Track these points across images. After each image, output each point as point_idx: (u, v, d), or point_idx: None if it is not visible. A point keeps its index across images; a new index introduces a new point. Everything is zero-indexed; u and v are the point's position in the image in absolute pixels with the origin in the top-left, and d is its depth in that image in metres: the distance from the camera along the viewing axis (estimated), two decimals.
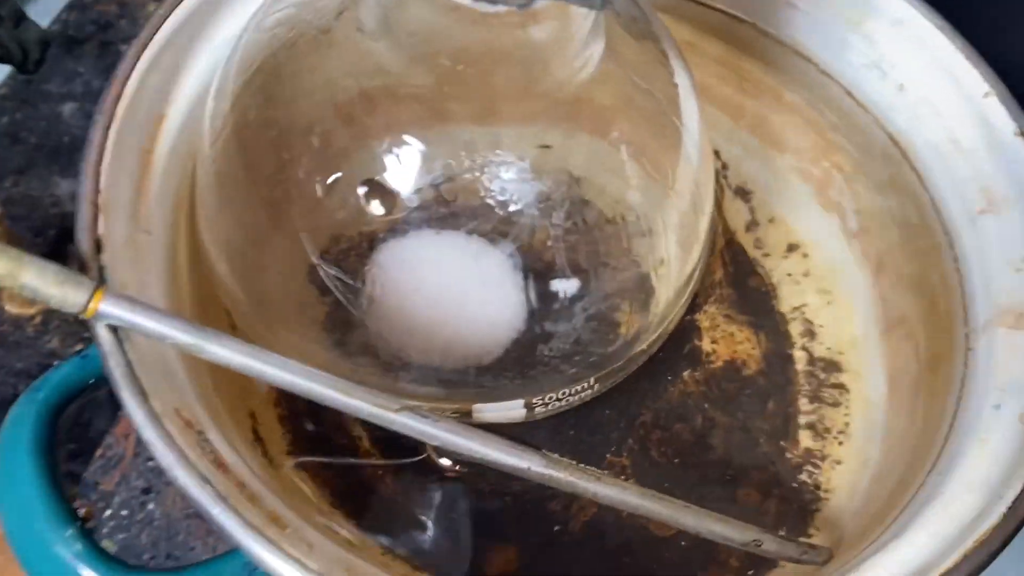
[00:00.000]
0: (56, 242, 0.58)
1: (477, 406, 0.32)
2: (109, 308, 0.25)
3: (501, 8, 0.24)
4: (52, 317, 0.55)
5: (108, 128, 0.29)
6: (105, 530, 0.44)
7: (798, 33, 0.39)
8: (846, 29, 0.38)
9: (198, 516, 0.44)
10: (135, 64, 0.30)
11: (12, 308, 0.55)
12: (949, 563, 0.25)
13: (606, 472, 0.30)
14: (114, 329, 0.26)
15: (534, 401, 0.32)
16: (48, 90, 0.64)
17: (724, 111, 0.44)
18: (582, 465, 0.29)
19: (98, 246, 0.27)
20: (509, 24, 0.25)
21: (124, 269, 0.28)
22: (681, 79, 0.33)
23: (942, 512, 0.27)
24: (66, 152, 0.62)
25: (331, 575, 0.23)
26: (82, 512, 0.28)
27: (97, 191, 0.28)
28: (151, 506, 0.44)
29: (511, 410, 0.32)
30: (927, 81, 0.36)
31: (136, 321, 0.25)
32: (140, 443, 0.45)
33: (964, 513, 0.27)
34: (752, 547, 0.30)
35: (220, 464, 0.26)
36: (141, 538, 0.44)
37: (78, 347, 0.54)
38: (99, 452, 0.45)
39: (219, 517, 0.23)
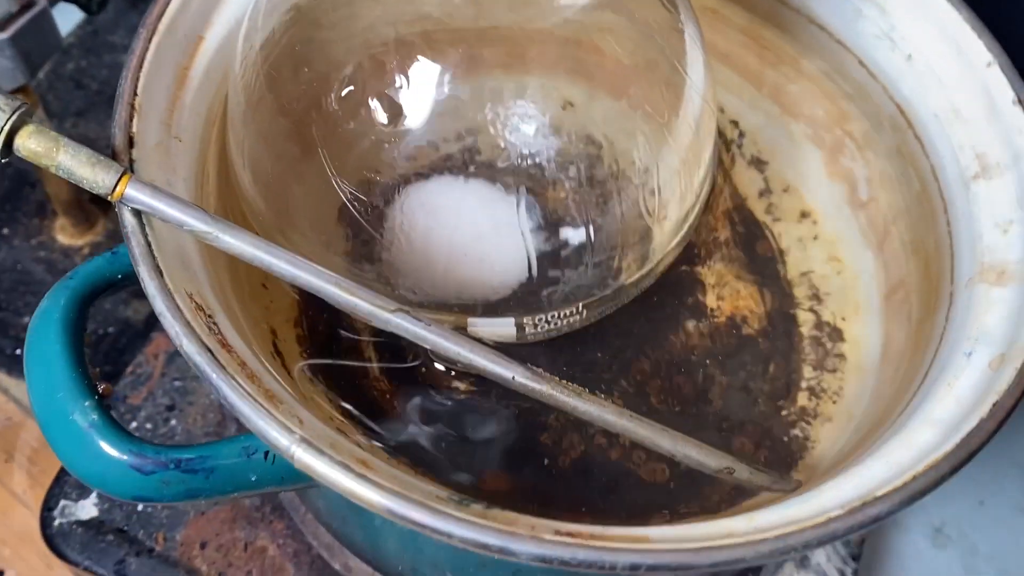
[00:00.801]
0: None
1: (471, 320, 0.34)
2: (134, 192, 0.27)
3: None
4: (98, 248, 0.58)
5: (149, 41, 0.31)
6: None
7: (814, 2, 0.41)
8: None
9: (216, 432, 0.46)
10: None
11: (63, 239, 0.59)
12: (898, 483, 0.26)
13: (586, 390, 0.31)
14: (138, 214, 0.28)
15: (524, 322, 0.34)
16: (112, 41, 0.67)
17: (746, 79, 0.45)
18: (564, 381, 0.31)
19: (130, 142, 0.29)
20: None
21: (153, 168, 0.30)
22: (689, 28, 0.35)
23: (902, 444, 0.28)
24: None
25: (314, 441, 0.25)
26: (101, 388, 0.31)
27: (134, 94, 0.30)
28: (174, 422, 0.47)
29: (502, 327, 0.34)
30: (934, 51, 0.37)
31: (157, 206, 0.27)
32: (168, 363, 0.48)
33: (921, 445, 0.28)
34: (725, 474, 0.32)
35: (225, 345, 0.28)
36: None
37: None
38: (129, 369, 0.48)
39: (217, 381, 0.26)
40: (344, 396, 0.39)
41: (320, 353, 0.40)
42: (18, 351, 0.54)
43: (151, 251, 0.27)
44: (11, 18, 0.46)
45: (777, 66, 0.44)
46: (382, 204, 0.37)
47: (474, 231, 0.39)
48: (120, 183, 0.27)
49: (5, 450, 0.54)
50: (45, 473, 0.53)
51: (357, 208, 0.35)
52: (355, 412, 0.36)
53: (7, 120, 0.26)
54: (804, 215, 0.45)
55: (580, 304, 0.34)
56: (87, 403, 0.30)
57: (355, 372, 0.40)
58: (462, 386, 0.38)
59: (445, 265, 0.37)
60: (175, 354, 0.48)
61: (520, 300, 0.37)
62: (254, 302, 0.38)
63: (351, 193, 0.33)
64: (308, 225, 0.35)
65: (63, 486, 0.45)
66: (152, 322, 0.53)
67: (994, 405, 0.28)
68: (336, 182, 0.33)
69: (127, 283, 0.34)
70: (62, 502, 0.44)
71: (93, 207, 0.59)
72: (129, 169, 0.29)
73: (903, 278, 0.39)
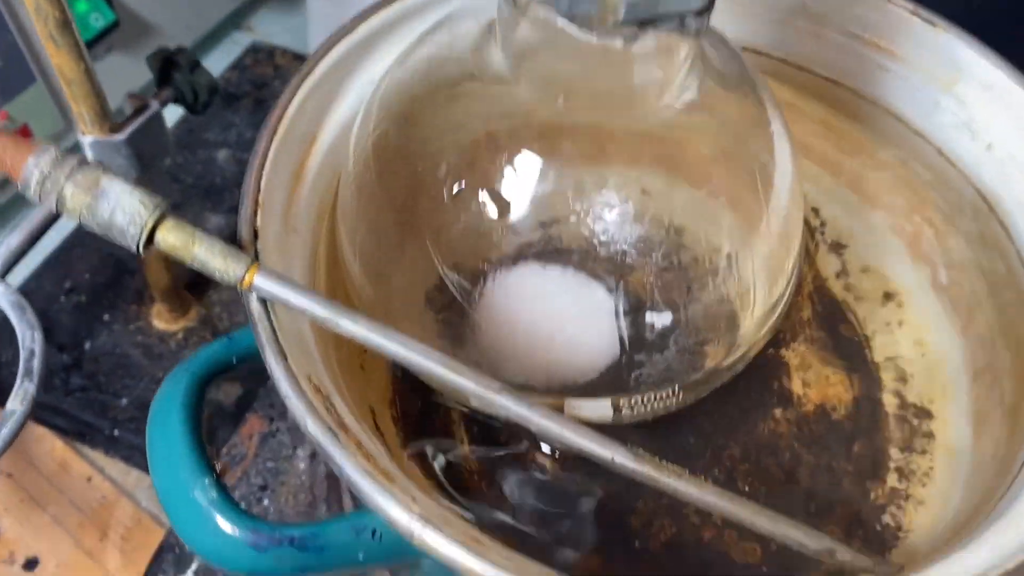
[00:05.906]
0: None
1: (569, 400, 0.35)
2: (261, 281, 0.29)
3: (608, 41, 0.27)
4: (192, 334, 0.61)
5: (271, 141, 0.34)
6: None
7: (891, 95, 0.42)
8: (937, 92, 0.40)
9: (307, 512, 0.48)
10: (296, 92, 0.36)
11: (159, 324, 0.62)
12: (1011, 565, 0.26)
13: (685, 471, 0.32)
14: (263, 302, 0.30)
15: (620, 403, 0.35)
16: (207, 138, 0.71)
17: (824, 168, 0.47)
18: (663, 461, 0.31)
19: (255, 234, 0.32)
20: (616, 60, 0.29)
21: (273, 259, 0.32)
22: (776, 125, 0.36)
23: (1009, 526, 0.28)
24: (217, 192, 0.69)
25: (431, 519, 0.26)
26: (218, 467, 0.32)
27: (258, 190, 0.32)
28: (266, 502, 0.48)
29: (599, 408, 0.35)
30: (1014, 141, 0.38)
31: (282, 294, 0.29)
32: (262, 445, 0.50)
33: None
34: (825, 556, 0.32)
35: (342, 425, 0.29)
36: None
37: None
38: (224, 450, 0.50)
39: (340, 461, 0.27)
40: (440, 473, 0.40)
41: (414, 433, 0.41)
42: (116, 432, 0.57)
43: (276, 336, 0.29)
44: (127, 120, 0.50)
45: (855, 155, 0.45)
46: (474, 292, 0.38)
47: (562, 316, 0.40)
48: (249, 273, 0.29)
49: (100, 528, 0.56)
50: (138, 551, 0.54)
51: (459, 293, 0.37)
52: (452, 492, 0.37)
53: (150, 215, 0.28)
54: (888, 296, 0.45)
55: (676, 386, 0.35)
56: (207, 480, 0.31)
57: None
58: (548, 468, 0.39)
59: (534, 349, 0.39)
60: (268, 436, 0.50)
61: (608, 383, 0.38)
62: (355, 381, 0.39)
63: (457, 281, 0.35)
64: (404, 312, 0.37)
65: (160, 564, 0.46)
66: (242, 405, 0.55)
67: None
68: (442, 270, 0.35)
69: (240, 365, 0.36)
70: None
71: (188, 295, 0.62)
72: (255, 259, 0.31)
73: (991, 362, 0.40)
